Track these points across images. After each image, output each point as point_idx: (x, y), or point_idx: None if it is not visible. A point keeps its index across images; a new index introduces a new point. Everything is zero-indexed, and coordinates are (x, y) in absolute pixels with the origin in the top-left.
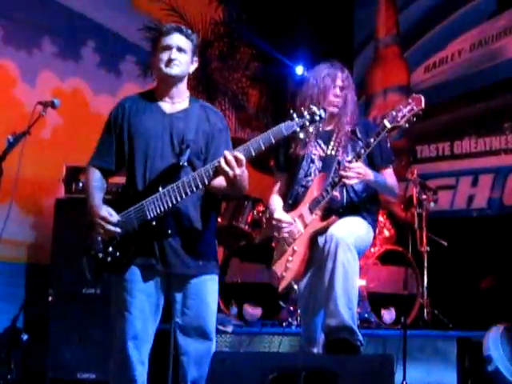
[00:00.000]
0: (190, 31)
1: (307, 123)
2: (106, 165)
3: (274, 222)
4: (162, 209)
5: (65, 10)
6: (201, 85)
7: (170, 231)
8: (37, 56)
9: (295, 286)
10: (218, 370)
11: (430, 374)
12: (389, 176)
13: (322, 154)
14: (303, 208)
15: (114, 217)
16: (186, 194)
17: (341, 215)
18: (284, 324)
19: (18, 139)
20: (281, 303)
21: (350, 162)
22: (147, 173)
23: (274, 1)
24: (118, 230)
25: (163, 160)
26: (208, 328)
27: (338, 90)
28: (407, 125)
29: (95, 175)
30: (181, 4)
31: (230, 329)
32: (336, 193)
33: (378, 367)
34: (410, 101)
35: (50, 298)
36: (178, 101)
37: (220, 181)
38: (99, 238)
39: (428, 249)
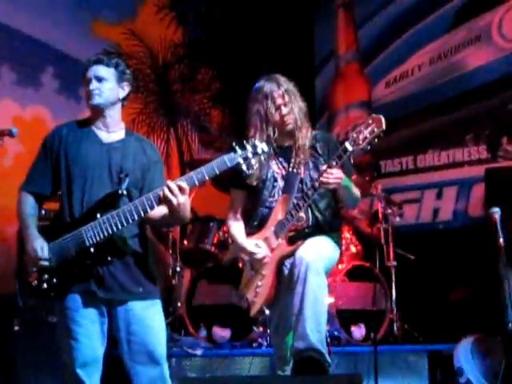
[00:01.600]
0: (111, 59)
1: (250, 155)
2: (41, 190)
3: (241, 252)
4: (102, 236)
5: (24, 38)
6: (162, 107)
7: (109, 258)
8: None
9: (266, 311)
10: None
11: None
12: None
13: (283, 172)
14: (268, 231)
15: (45, 252)
16: (128, 221)
17: (307, 235)
18: (254, 345)
19: None
20: (254, 328)
21: (324, 171)
22: (84, 200)
23: (233, 21)
24: (47, 264)
25: (101, 188)
26: (156, 353)
27: (283, 109)
28: (369, 147)
29: (29, 201)
30: (139, 28)
31: (199, 352)
32: (301, 214)
33: None
34: (370, 121)
35: (16, 328)
36: (113, 130)
37: (159, 210)
38: (32, 266)
39: (395, 263)
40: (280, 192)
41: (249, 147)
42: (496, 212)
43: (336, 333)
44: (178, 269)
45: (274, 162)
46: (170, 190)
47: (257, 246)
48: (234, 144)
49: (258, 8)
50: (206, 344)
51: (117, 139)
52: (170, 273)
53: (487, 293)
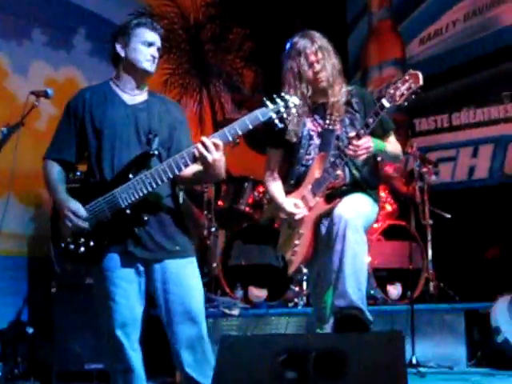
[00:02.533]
0: (160, 30)
1: (282, 109)
2: (65, 156)
3: (279, 212)
4: (137, 196)
5: (55, 0)
6: (195, 68)
7: (145, 218)
8: (28, 47)
9: (304, 270)
10: (227, 354)
11: (438, 348)
12: (392, 143)
13: (319, 129)
14: (305, 190)
15: (82, 211)
16: (162, 180)
17: (344, 192)
18: (290, 304)
19: (12, 131)
20: (290, 287)
21: (353, 138)
22: (114, 162)
23: None
24: (87, 225)
25: (130, 150)
26: (194, 311)
27: (316, 66)
28: (406, 103)
29: (54, 167)
30: None
31: (236, 312)
32: (339, 171)
33: (388, 344)
34: (407, 78)
35: (53, 290)
36: (137, 93)
37: (192, 168)
38: (67, 230)
39: (431, 222)
40: (316, 150)
41: (280, 101)
42: None
43: (372, 292)
44: (213, 229)
45: (309, 119)
46: (205, 147)
47: (296, 205)
48: (265, 99)
49: None
50: (243, 304)
51: (141, 100)
52: (205, 233)
53: None
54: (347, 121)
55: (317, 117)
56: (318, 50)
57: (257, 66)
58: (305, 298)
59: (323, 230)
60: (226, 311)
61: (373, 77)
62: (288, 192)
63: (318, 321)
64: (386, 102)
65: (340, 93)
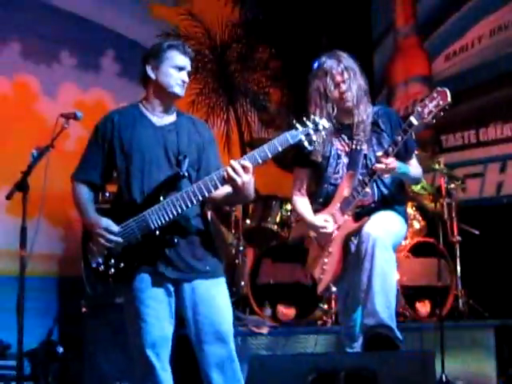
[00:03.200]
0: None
1: (311, 132)
2: (92, 178)
3: (309, 229)
4: (167, 218)
5: (82, 22)
6: (221, 88)
7: (175, 240)
8: (57, 69)
9: (333, 288)
10: (257, 374)
11: (468, 365)
12: (414, 167)
13: (347, 149)
14: (334, 208)
15: (115, 227)
16: (192, 202)
17: (373, 210)
18: (319, 323)
19: (43, 153)
20: (319, 305)
21: (381, 157)
22: (144, 184)
23: None
24: (120, 239)
25: (160, 172)
26: (224, 332)
27: (342, 86)
28: (434, 120)
29: (82, 188)
30: (197, 8)
31: (265, 330)
32: (367, 189)
33: (419, 364)
34: (435, 95)
35: (83, 310)
36: (166, 114)
37: (222, 189)
38: (99, 251)
39: (459, 239)
40: (344, 168)
41: (310, 124)
42: None
43: (401, 309)
44: (241, 248)
45: (336, 139)
46: (234, 170)
47: (326, 220)
48: (294, 121)
49: None
50: (271, 323)
51: (169, 122)
52: (234, 252)
53: None
54: (374, 140)
55: (344, 137)
56: (344, 70)
57: (283, 85)
58: (333, 317)
59: (352, 248)
60: (255, 330)
61: (399, 93)
62: (317, 211)
63: (348, 339)
64: (414, 120)
65: (366, 113)
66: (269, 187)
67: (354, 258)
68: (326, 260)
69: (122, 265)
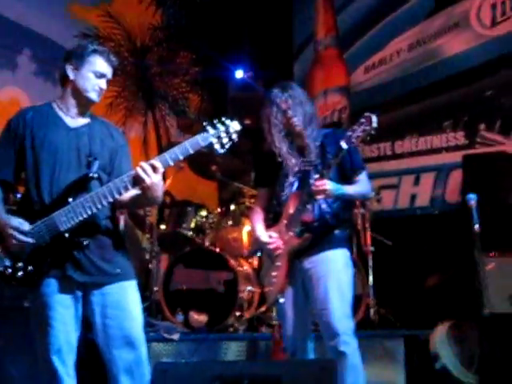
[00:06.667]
0: (115, 62)
1: (222, 135)
2: (4, 176)
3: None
4: (76, 220)
5: (0, 20)
6: (140, 91)
7: (85, 242)
8: None
9: (281, 300)
10: (159, 381)
11: (378, 374)
12: (361, 182)
13: (295, 169)
14: (281, 224)
15: (26, 226)
16: (102, 204)
17: (315, 229)
18: (230, 330)
19: None
20: (232, 312)
21: (316, 179)
22: (53, 185)
23: (213, 4)
24: (31, 240)
25: (70, 173)
26: (133, 336)
27: (288, 112)
28: (362, 143)
29: None
30: (117, 10)
31: (176, 337)
32: (308, 207)
33: (320, 372)
34: (362, 120)
35: None
36: (80, 116)
37: (131, 192)
38: (6, 253)
39: (372, 249)
40: (290, 188)
41: (221, 126)
42: (472, 198)
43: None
44: (155, 253)
45: (288, 159)
46: (144, 170)
47: (270, 236)
48: (205, 124)
49: None
50: (183, 329)
51: (83, 124)
52: (147, 257)
53: (463, 279)
54: (319, 161)
55: (294, 158)
56: (289, 97)
57: (203, 91)
58: (245, 324)
59: (297, 265)
60: (166, 336)
61: (318, 103)
62: (269, 226)
63: (294, 352)
64: (343, 144)
65: (312, 136)
66: (184, 193)
67: (298, 277)
68: (274, 273)
69: (30, 268)
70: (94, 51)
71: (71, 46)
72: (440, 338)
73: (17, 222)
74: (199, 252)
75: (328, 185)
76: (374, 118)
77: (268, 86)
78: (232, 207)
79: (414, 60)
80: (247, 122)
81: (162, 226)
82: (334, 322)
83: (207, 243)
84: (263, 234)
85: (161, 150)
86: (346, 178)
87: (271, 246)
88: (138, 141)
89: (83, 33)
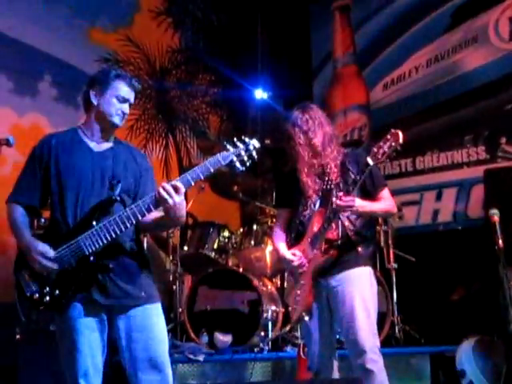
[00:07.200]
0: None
1: (242, 153)
2: (29, 201)
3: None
4: (101, 243)
5: (19, 45)
6: (160, 114)
7: (110, 265)
8: None
9: (306, 318)
10: None
11: None
12: (384, 199)
13: (317, 188)
14: (305, 243)
15: (51, 253)
16: (126, 227)
17: (339, 247)
18: (255, 350)
19: None
20: (257, 332)
21: (342, 195)
22: (78, 209)
23: (231, 26)
24: (56, 266)
25: (94, 196)
26: (159, 358)
27: (309, 134)
28: (388, 160)
29: (18, 211)
30: (136, 34)
31: (201, 357)
32: (333, 225)
33: None
34: (388, 137)
35: (18, 337)
36: (104, 140)
37: (154, 214)
38: (33, 279)
39: (396, 266)
40: (313, 206)
41: (240, 144)
42: (495, 213)
43: (338, 336)
44: (179, 274)
45: (309, 179)
46: (166, 190)
47: (294, 254)
48: (225, 143)
49: (254, 13)
50: (208, 350)
51: (107, 148)
52: (171, 278)
53: (487, 294)
54: (341, 180)
55: (315, 177)
56: (309, 119)
57: (222, 112)
58: (270, 344)
59: (322, 283)
60: (192, 357)
61: (338, 121)
62: (292, 245)
63: (319, 370)
64: (369, 160)
65: (333, 155)
66: (206, 214)
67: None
68: (298, 292)
69: (57, 292)
70: (117, 76)
71: (91, 70)
72: (466, 354)
73: (42, 247)
74: (223, 272)
75: (355, 201)
76: (401, 134)
77: (288, 106)
78: (254, 227)
79: (432, 75)
80: (267, 141)
81: (185, 248)
82: (361, 340)
83: (230, 263)
84: (287, 253)
85: (182, 172)
86: (368, 195)
87: (296, 263)
88: (159, 163)
89: (103, 57)
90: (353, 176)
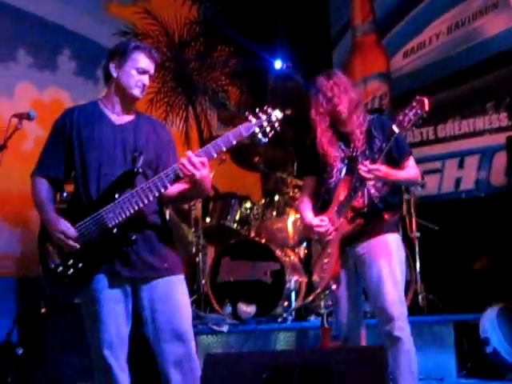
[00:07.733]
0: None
1: (265, 124)
2: (54, 173)
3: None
4: (124, 216)
5: (38, 20)
6: (180, 86)
7: (133, 237)
8: (13, 68)
9: (333, 286)
10: (210, 372)
11: (428, 360)
12: (409, 168)
13: (343, 155)
14: (331, 211)
15: (72, 231)
16: (148, 199)
17: (365, 215)
18: (279, 320)
19: None
20: (280, 302)
21: (369, 163)
22: (101, 182)
23: None
24: (77, 245)
25: (116, 169)
26: (182, 329)
27: (334, 100)
28: (414, 128)
29: (43, 185)
30: (154, 6)
31: (225, 328)
32: (359, 193)
33: (371, 359)
34: (414, 104)
35: (43, 310)
36: (125, 113)
37: (178, 186)
38: (56, 252)
39: (418, 234)
40: (338, 174)
41: (263, 115)
42: None
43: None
44: (201, 246)
45: (333, 146)
46: (191, 163)
47: (321, 220)
48: (247, 114)
49: None
50: (232, 320)
51: (128, 120)
52: (194, 250)
53: (511, 261)
54: (367, 147)
55: (341, 144)
56: (334, 85)
57: (242, 83)
58: (293, 314)
59: (349, 251)
60: (215, 328)
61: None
62: (318, 214)
63: (346, 338)
64: (395, 128)
65: (359, 122)
66: (228, 185)
67: (351, 263)
68: (325, 260)
69: (81, 265)
70: (136, 48)
71: (110, 44)
72: (489, 322)
73: (64, 225)
74: (245, 244)
75: (381, 169)
76: (426, 102)
77: (307, 76)
78: (276, 198)
79: (453, 42)
80: (288, 112)
81: (207, 219)
82: (389, 307)
83: (253, 234)
84: (314, 219)
85: (202, 144)
86: (393, 163)
87: (323, 229)
88: (179, 135)
89: (122, 30)
90: (378, 143)
